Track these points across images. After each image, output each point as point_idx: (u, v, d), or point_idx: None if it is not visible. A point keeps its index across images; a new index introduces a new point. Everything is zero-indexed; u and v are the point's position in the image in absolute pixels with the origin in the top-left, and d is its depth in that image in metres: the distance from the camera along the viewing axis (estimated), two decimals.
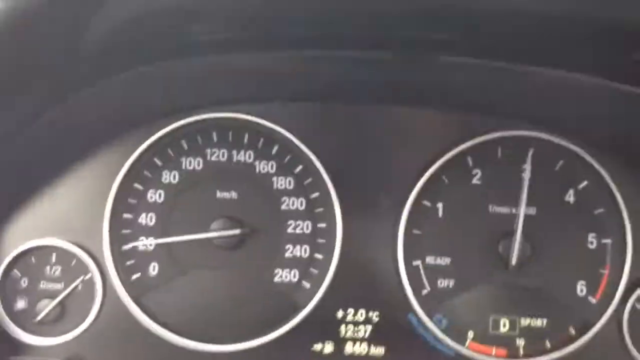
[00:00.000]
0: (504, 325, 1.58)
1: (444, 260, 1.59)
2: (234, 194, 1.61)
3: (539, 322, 1.57)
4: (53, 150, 1.58)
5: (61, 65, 1.25)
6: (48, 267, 1.60)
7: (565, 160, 1.60)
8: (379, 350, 1.58)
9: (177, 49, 1.39)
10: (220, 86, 1.60)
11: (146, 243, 1.60)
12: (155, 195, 1.62)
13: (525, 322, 1.58)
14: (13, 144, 1.38)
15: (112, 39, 1.23)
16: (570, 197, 1.60)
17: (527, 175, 1.56)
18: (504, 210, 1.59)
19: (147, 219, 1.61)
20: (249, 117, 1.61)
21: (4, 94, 1.19)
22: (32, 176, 1.59)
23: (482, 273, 1.58)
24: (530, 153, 1.59)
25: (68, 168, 1.61)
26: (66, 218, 1.60)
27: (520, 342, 1.57)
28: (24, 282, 1.60)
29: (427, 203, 1.60)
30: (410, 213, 1.58)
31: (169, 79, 1.51)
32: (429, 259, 1.59)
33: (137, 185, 1.62)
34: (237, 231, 1.55)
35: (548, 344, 1.57)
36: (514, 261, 1.54)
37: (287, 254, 1.61)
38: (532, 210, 1.58)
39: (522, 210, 1.54)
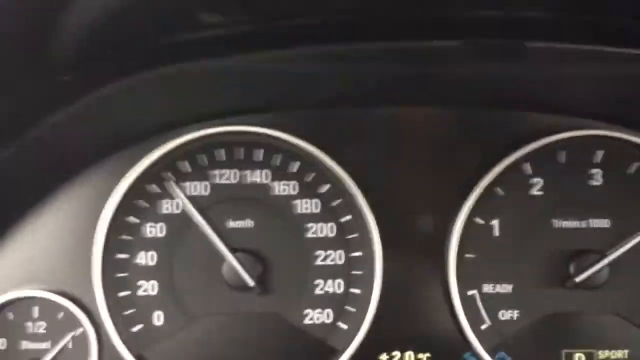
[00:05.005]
0: None
1: (505, 288, 1.48)
2: (249, 223, 1.49)
3: (619, 355, 1.47)
4: (25, 182, 1.45)
5: (27, 80, 1.14)
6: (30, 324, 1.49)
7: None
8: None
9: (170, 50, 1.27)
10: (226, 94, 1.48)
11: (147, 287, 1.48)
12: (154, 229, 1.49)
13: (603, 355, 1.48)
14: None
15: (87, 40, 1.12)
16: None
17: None
18: (571, 224, 1.49)
19: (146, 258, 1.49)
20: (262, 130, 1.47)
21: None
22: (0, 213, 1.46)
23: (550, 300, 1.48)
24: (600, 155, 1.49)
25: (45, 202, 1.49)
26: (47, 263, 1.48)
27: None
28: (2, 345, 1.48)
29: (479, 221, 1.49)
30: (462, 234, 1.47)
31: (163, 89, 1.39)
32: (487, 287, 1.48)
33: (131, 219, 1.49)
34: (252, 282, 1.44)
35: None
36: (578, 279, 1.43)
37: (318, 291, 1.49)
38: (606, 223, 1.48)
39: None
